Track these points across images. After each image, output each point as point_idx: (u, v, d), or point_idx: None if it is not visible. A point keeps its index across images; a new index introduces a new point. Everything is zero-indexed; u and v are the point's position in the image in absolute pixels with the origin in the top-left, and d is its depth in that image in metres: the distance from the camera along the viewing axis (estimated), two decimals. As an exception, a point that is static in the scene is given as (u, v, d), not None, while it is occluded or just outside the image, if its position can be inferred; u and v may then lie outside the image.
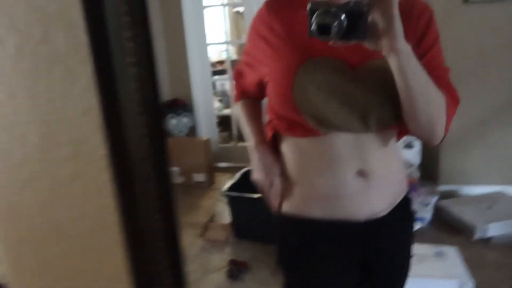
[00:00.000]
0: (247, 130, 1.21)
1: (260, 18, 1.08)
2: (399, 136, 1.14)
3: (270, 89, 1.06)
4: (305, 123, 1.00)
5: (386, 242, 1.14)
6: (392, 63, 0.87)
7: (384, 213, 1.09)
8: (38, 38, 0.50)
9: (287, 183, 1.11)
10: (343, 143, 1.02)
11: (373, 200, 1.06)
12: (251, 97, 1.24)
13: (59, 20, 0.48)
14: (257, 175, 1.13)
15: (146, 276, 0.55)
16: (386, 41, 0.82)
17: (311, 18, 0.81)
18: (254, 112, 1.23)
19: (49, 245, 0.61)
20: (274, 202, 1.13)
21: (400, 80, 0.89)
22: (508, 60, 3.18)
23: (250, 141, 1.18)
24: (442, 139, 1.04)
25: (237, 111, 1.26)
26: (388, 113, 1.00)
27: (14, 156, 0.56)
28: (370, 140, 1.03)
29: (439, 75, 0.98)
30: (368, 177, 1.04)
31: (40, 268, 0.63)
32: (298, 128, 1.02)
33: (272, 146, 1.15)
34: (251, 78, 1.19)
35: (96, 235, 0.59)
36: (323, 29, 0.81)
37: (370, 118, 0.99)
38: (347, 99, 0.98)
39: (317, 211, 1.07)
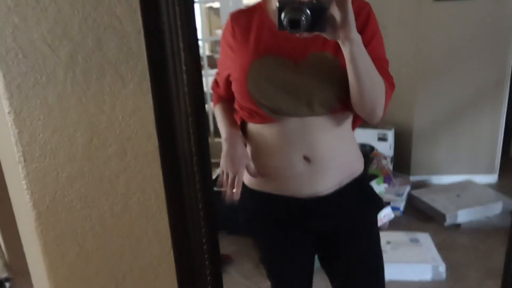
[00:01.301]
0: (221, 126, 1.36)
1: (227, 29, 1.26)
2: (354, 124, 1.26)
3: (233, 86, 1.24)
4: (260, 111, 1.16)
5: (329, 217, 1.26)
6: (346, 50, 1.02)
7: (327, 192, 1.21)
8: (90, 46, 0.55)
9: (254, 169, 1.23)
10: (292, 129, 1.17)
11: (315, 182, 1.21)
12: (225, 100, 1.37)
13: (112, 31, 0.54)
14: (225, 164, 1.24)
15: (189, 262, 0.61)
16: (342, 31, 0.98)
17: (281, 14, 0.94)
18: (227, 111, 1.37)
19: (90, 237, 0.66)
20: (230, 190, 1.19)
21: (351, 65, 1.04)
22: (475, 55, 3.36)
23: (222, 136, 1.32)
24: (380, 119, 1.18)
25: (216, 114, 1.38)
26: (331, 96, 1.13)
27: (61, 155, 0.61)
28: (319, 125, 1.18)
29: (378, 64, 1.12)
30: (312, 162, 1.18)
31: (80, 259, 0.67)
32: (256, 116, 1.19)
33: (242, 132, 1.31)
34: (222, 78, 1.32)
35: (137, 226, 0.65)
36: (294, 23, 0.94)
37: (314, 102, 1.14)
38: (293, 88, 1.14)
39: (268, 187, 1.25)
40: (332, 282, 1.40)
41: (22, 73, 0.56)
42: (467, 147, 3.60)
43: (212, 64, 6.07)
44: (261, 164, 1.24)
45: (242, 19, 1.23)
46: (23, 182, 0.62)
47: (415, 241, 2.84)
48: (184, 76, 0.51)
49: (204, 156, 0.55)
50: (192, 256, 0.60)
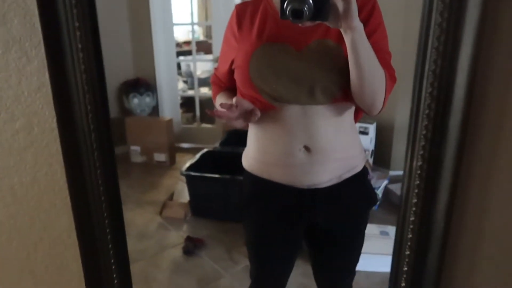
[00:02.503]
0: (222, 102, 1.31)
1: (232, 20, 1.28)
2: (356, 116, 1.26)
3: (235, 73, 1.25)
4: (261, 98, 1.17)
5: (325, 210, 1.27)
6: (347, 38, 1.03)
7: (326, 185, 1.22)
8: (-5, 22, 0.56)
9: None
10: (293, 118, 1.18)
11: (314, 173, 1.21)
12: (227, 89, 1.36)
13: (15, 7, 0.55)
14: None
15: (90, 234, 0.63)
16: (344, 20, 0.99)
17: (283, 3, 0.94)
18: (229, 94, 1.35)
19: (1, 207, 0.68)
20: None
21: (352, 54, 1.05)
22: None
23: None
24: (380, 111, 1.18)
25: (218, 101, 1.36)
26: (332, 84, 1.14)
27: (-29, 126, 0.62)
28: (319, 115, 1.18)
29: (381, 56, 1.12)
30: (312, 151, 1.18)
31: (-6, 228, 0.69)
32: (257, 103, 1.18)
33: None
34: (223, 69, 1.32)
35: (45, 198, 0.67)
36: (297, 14, 0.94)
37: (316, 89, 1.14)
38: (295, 75, 1.14)
39: (267, 174, 1.26)
40: (313, 265, 1.44)
41: None
42: (444, 145, 3.62)
43: (205, 49, 6.02)
44: (262, 151, 1.25)
45: (247, 10, 1.24)
46: None
47: (385, 233, 2.88)
48: (80, 54, 0.52)
49: (103, 134, 0.56)
50: (94, 230, 0.62)
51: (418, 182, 0.54)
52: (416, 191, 0.54)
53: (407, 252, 0.57)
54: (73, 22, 0.51)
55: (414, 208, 0.55)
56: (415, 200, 0.55)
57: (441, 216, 0.53)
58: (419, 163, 0.54)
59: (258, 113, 1.15)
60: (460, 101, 0.49)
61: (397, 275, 0.58)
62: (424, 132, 0.52)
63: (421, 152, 0.53)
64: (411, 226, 0.56)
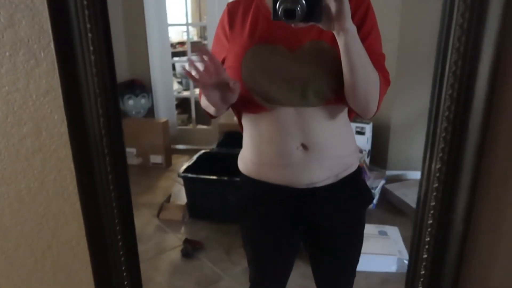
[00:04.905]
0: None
1: (223, 18, 1.26)
2: (350, 114, 1.26)
3: None
4: (254, 100, 1.15)
5: (325, 210, 1.26)
6: (340, 41, 1.02)
7: (323, 183, 1.21)
8: (2, 23, 0.55)
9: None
10: (288, 118, 1.17)
11: (312, 171, 1.20)
12: None
13: (23, 8, 0.53)
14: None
15: (101, 240, 0.62)
16: (337, 22, 0.98)
17: (275, 4, 0.93)
18: None
19: (8, 214, 0.66)
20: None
21: (345, 56, 1.05)
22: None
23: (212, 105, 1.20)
24: (374, 114, 1.17)
25: (204, 104, 1.32)
26: (325, 86, 1.13)
27: (-24, 131, 0.60)
28: (313, 116, 1.17)
29: (375, 59, 1.11)
30: (309, 150, 1.18)
31: None
32: (250, 105, 1.18)
33: (238, 123, 1.31)
34: None
35: (54, 205, 0.65)
36: (289, 14, 0.93)
37: (308, 92, 1.13)
38: (287, 76, 1.13)
39: (265, 176, 1.24)
40: (313, 267, 1.42)
41: None
42: (441, 144, 3.63)
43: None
44: (258, 153, 1.24)
45: (239, 8, 1.22)
46: None
47: (383, 233, 2.89)
48: (92, 57, 0.51)
49: (115, 138, 0.55)
50: (105, 237, 0.60)
51: (436, 185, 0.53)
52: (434, 193, 0.53)
53: (425, 256, 0.56)
54: (85, 24, 0.50)
55: (432, 211, 0.54)
56: (433, 203, 0.54)
57: (459, 219, 0.53)
58: (438, 165, 0.53)
59: (237, 89, 1.08)
60: (480, 103, 0.48)
61: (414, 277, 0.58)
62: (443, 134, 0.52)
63: (440, 154, 0.53)
64: (429, 229, 0.55)
